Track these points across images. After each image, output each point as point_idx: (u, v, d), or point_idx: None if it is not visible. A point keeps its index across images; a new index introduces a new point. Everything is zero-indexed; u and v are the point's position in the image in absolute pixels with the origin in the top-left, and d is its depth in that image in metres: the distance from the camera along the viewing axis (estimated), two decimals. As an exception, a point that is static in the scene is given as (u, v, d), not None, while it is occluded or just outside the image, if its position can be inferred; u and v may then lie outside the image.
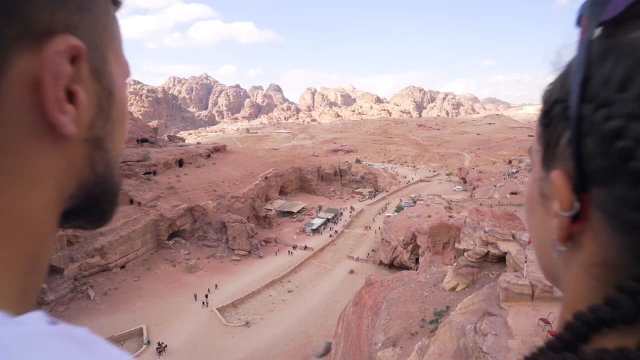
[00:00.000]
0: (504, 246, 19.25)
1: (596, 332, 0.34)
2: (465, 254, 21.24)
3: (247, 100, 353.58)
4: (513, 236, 20.37)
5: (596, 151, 0.33)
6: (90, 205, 0.42)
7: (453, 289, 20.40)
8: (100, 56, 0.38)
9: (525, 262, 15.85)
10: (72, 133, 0.35)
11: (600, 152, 0.32)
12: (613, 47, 0.35)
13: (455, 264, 22.25)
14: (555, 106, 0.40)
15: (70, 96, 0.34)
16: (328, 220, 58.31)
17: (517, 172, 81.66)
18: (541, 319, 11.90)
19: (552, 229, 0.39)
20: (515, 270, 16.40)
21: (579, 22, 0.38)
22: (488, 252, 20.13)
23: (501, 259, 19.18)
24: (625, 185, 0.30)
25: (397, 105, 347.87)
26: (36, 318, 0.27)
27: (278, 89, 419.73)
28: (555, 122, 0.39)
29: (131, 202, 45.62)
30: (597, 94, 0.34)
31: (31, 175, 0.34)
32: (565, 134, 0.37)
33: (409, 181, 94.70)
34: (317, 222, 56.62)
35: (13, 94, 0.30)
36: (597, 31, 0.37)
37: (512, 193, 63.84)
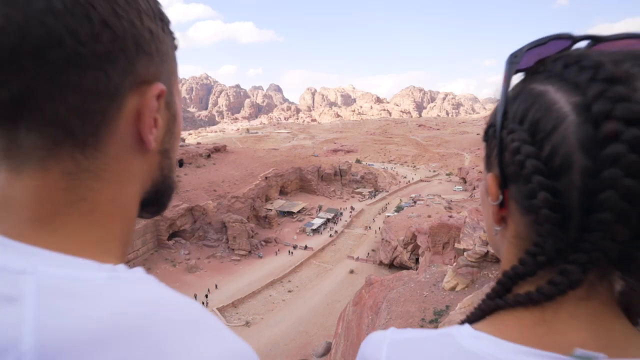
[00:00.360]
0: (503, 246, 19.34)
1: (515, 284, 0.48)
2: (464, 253, 21.29)
3: (247, 100, 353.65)
4: (512, 236, 20.42)
5: (509, 162, 0.47)
6: (156, 198, 0.54)
7: (453, 288, 20.47)
8: (170, 92, 0.50)
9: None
10: (153, 147, 0.48)
11: (511, 163, 0.47)
12: (520, 92, 0.49)
13: (455, 263, 22.31)
14: (489, 129, 0.54)
15: (154, 122, 0.48)
16: (328, 220, 58.39)
17: None
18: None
19: (490, 214, 0.53)
20: (515, 270, 16.50)
21: (505, 71, 0.52)
22: (487, 251, 20.20)
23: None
24: (523, 183, 0.45)
25: (397, 105, 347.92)
26: (137, 270, 0.42)
27: (278, 89, 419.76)
28: (490, 140, 0.54)
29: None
30: (508, 124, 0.48)
31: (129, 176, 0.47)
32: (495, 149, 0.51)
33: (409, 181, 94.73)
34: (317, 222, 56.69)
35: (124, 123, 0.44)
36: (517, 77, 0.52)
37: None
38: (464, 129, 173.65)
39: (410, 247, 40.53)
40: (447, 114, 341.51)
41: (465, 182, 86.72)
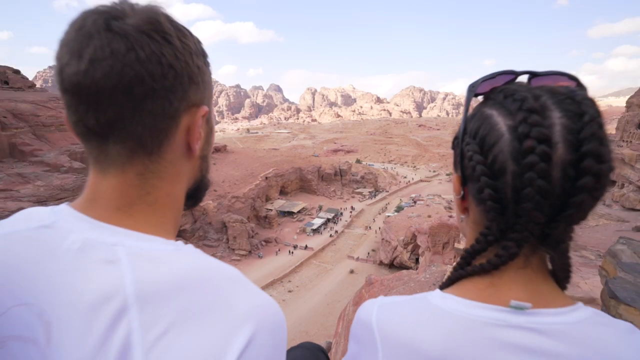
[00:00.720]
0: (502, 246, 19.37)
1: (473, 258, 0.64)
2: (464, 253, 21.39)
3: (248, 100, 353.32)
4: (512, 236, 20.47)
5: (466, 166, 0.62)
6: (195, 193, 0.68)
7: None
8: (210, 110, 0.63)
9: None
10: (196, 154, 0.62)
11: (467, 167, 0.62)
12: (475, 114, 0.64)
13: (454, 263, 22.32)
14: (455, 140, 0.68)
15: (199, 134, 0.62)
16: (328, 220, 58.41)
17: None
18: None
19: (457, 205, 0.70)
20: (514, 270, 16.52)
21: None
22: (487, 251, 20.25)
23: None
24: (475, 182, 0.60)
25: (397, 105, 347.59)
26: (189, 245, 0.55)
27: (278, 89, 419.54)
28: (455, 149, 0.68)
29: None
30: (466, 138, 0.63)
31: (179, 176, 0.61)
32: (458, 156, 0.65)
33: (409, 181, 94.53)
34: (318, 222, 56.72)
35: (179, 136, 0.58)
36: (477, 99, 0.67)
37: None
38: None
39: (410, 247, 40.55)
40: (447, 114, 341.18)
41: None
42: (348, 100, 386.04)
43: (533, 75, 0.64)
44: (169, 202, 0.60)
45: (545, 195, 0.53)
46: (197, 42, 0.60)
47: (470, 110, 0.66)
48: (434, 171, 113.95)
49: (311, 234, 54.39)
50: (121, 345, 0.43)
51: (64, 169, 42.03)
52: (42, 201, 34.42)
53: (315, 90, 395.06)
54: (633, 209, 47.20)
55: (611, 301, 1.75)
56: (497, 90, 0.63)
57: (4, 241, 0.51)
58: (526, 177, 0.53)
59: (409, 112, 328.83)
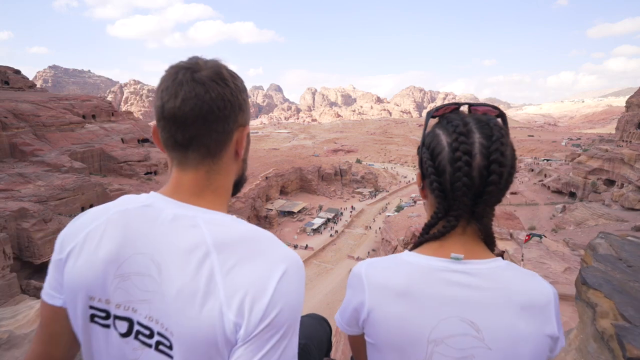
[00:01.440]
0: (501, 245, 19.45)
1: (430, 229, 0.92)
2: (463, 252, 21.39)
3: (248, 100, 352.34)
4: (511, 235, 20.57)
5: (423, 167, 0.90)
6: (238, 184, 0.94)
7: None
8: (249, 127, 0.90)
9: (522, 260, 16.05)
10: (241, 158, 0.89)
11: (424, 167, 0.90)
12: (430, 131, 0.92)
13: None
14: (418, 149, 0.96)
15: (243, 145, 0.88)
16: (328, 220, 58.49)
17: (516, 171, 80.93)
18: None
19: (420, 193, 0.99)
20: (513, 268, 16.59)
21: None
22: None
23: (499, 257, 19.36)
24: (428, 178, 0.89)
25: (398, 105, 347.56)
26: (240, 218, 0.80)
27: (278, 89, 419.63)
28: (418, 154, 0.95)
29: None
30: (423, 148, 0.91)
31: (230, 172, 0.87)
32: (419, 160, 0.94)
33: (409, 181, 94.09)
34: (318, 221, 56.80)
35: (232, 146, 0.84)
36: (433, 120, 0.94)
37: (512, 193, 63.50)
38: None
39: (410, 247, 40.54)
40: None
41: None
42: (348, 100, 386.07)
43: (471, 106, 0.92)
44: (224, 190, 0.87)
45: (469, 188, 0.82)
46: (242, 82, 0.85)
47: (428, 129, 0.94)
48: None
49: (311, 233, 54.48)
50: (208, 274, 0.69)
51: (64, 169, 42.11)
52: (42, 201, 34.50)
53: (316, 90, 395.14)
54: (632, 209, 47.29)
55: (582, 287, 1.96)
56: (444, 116, 0.92)
57: (122, 214, 0.79)
58: (457, 176, 0.82)
59: (409, 112, 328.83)
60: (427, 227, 0.93)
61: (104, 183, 44.35)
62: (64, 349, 0.83)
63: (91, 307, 0.77)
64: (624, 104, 64.37)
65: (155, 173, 54.51)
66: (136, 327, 0.74)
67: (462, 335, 0.82)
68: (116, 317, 0.76)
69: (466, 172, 0.81)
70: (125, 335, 0.75)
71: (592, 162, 60.19)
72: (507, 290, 0.84)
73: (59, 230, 34.64)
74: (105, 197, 42.45)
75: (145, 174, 53.08)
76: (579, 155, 66.23)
